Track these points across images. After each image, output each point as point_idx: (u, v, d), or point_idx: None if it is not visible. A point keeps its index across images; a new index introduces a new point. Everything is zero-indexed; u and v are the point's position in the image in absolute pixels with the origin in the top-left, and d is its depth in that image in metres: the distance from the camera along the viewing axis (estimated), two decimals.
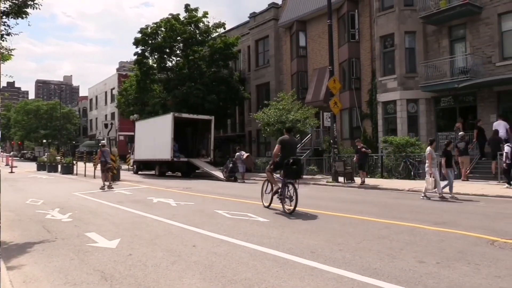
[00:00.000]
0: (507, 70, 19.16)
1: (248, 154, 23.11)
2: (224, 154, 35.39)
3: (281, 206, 9.76)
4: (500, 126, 17.26)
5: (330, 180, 18.87)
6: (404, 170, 19.47)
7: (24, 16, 8.76)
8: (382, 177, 20.09)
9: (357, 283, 4.53)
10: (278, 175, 10.48)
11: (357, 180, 17.78)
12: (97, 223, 8.74)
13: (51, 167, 33.09)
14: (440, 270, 4.98)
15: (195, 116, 26.73)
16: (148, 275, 4.98)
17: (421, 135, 21.97)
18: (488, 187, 14.13)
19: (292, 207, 9.44)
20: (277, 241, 6.65)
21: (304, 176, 22.93)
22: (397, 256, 5.61)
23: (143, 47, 32.66)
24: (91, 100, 76.24)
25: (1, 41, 8.44)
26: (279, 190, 9.87)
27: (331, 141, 19.80)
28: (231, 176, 21.61)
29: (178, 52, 33.60)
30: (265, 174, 10.92)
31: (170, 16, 32.91)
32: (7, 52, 8.83)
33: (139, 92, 35.53)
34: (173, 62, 34.44)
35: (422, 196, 12.45)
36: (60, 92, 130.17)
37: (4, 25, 8.35)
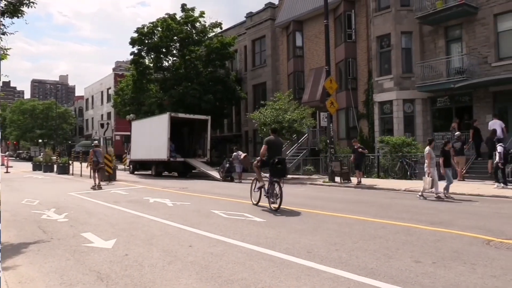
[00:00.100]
0: (503, 70, 19.23)
1: (245, 154, 23.11)
2: (221, 154, 35.40)
3: (268, 204, 10.25)
4: (496, 125, 17.32)
5: (327, 180, 18.88)
6: (401, 170, 19.52)
7: (19, 15, 8.72)
8: (378, 177, 20.13)
9: (353, 283, 4.53)
10: (266, 175, 10.81)
11: (354, 180, 17.79)
12: (93, 223, 8.72)
13: (46, 167, 32.96)
14: (436, 269, 4.99)
15: (191, 116, 26.69)
16: (144, 275, 4.97)
17: (418, 135, 22.03)
18: (484, 187, 14.17)
19: (277, 205, 9.94)
20: (273, 241, 6.65)
21: (300, 176, 23.05)
22: (393, 256, 5.62)
23: (139, 47, 32.61)
24: (87, 99, 75.98)
25: None
26: (264, 188, 10.48)
27: (328, 141, 19.84)
28: (228, 176, 21.60)
29: (174, 51, 33.56)
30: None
31: (166, 16, 32.86)
32: (2, 52, 8.79)
33: (136, 92, 35.46)
34: (170, 62, 34.40)
35: (419, 196, 12.49)
36: (56, 91, 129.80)
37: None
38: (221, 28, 35.15)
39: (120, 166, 32.34)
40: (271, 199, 10.20)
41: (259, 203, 10.91)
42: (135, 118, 34.09)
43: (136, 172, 29.66)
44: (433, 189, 12.26)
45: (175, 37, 32.08)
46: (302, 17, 30.62)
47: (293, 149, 27.72)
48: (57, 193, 15.55)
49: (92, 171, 18.43)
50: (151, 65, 33.69)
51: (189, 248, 6.26)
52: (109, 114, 61.86)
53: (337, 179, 18.40)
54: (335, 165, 18.59)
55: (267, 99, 27.86)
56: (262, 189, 10.69)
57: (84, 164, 26.32)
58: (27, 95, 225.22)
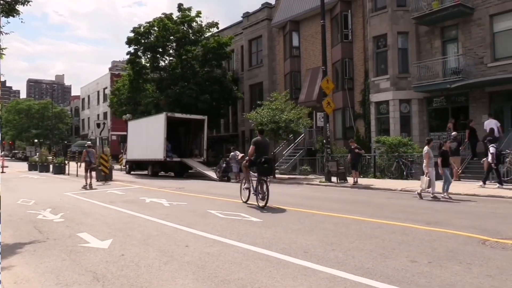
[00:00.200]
0: (498, 70, 19.31)
1: (243, 154, 23.10)
2: (217, 154, 35.35)
3: (256, 201, 10.77)
4: (491, 125, 17.42)
5: (323, 180, 18.90)
6: (397, 170, 19.56)
7: (15, 14, 8.69)
8: (375, 177, 20.16)
9: (349, 283, 4.53)
10: (255, 174, 11.20)
11: (350, 180, 17.83)
12: (89, 223, 8.69)
13: (42, 167, 32.86)
14: (432, 269, 5.00)
15: (188, 116, 26.67)
16: (140, 276, 4.96)
17: (414, 135, 22.09)
18: (483, 187, 14.22)
19: (264, 202, 10.45)
20: (270, 241, 6.65)
21: (297, 176, 23.08)
22: (389, 256, 5.63)
23: (136, 47, 32.58)
24: (83, 99, 75.81)
25: None
26: (253, 186, 11.09)
27: (324, 141, 19.84)
28: (224, 176, 21.59)
29: (171, 51, 33.56)
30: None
31: (163, 16, 32.87)
32: None
33: (132, 91, 35.43)
34: (166, 62, 34.41)
35: (416, 195, 12.48)
36: (52, 91, 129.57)
37: None
38: (217, 28, 35.18)
39: (117, 166, 32.24)
40: (259, 197, 10.71)
41: (248, 201, 11.35)
42: (132, 118, 34.06)
43: (132, 172, 29.61)
44: (430, 189, 12.29)
45: (172, 37, 32.08)
46: (298, 17, 30.65)
47: (289, 149, 27.77)
48: (53, 193, 15.50)
49: (84, 171, 18.64)
50: (148, 64, 33.68)
51: (186, 248, 6.25)
52: (105, 114, 61.73)
53: (334, 179, 18.42)
54: (332, 165, 18.61)
55: (263, 99, 27.86)
56: (251, 188, 11.21)
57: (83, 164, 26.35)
58: (23, 95, 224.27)
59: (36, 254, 6.14)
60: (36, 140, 73.03)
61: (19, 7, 8.82)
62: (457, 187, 14.15)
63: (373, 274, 4.81)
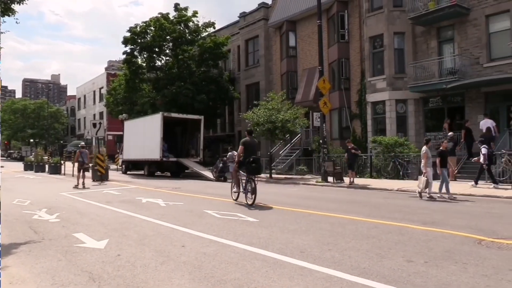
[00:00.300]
0: (494, 71, 19.39)
1: None
2: (214, 154, 35.35)
3: (245, 199, 11.28)
4: (487, 125, 17.50)
5: (320, 180, 18.91)
6: (393, 170, 19.61)
7: (11, 13, 8.65)
8: (371, 177, 20.20)
9: (346, 283, 4.54)
10: (244, 173, 11.77)
11: (347, 180, 17.86)
12: (85, 224, 8.66)
13: (38, 167, 32.75)
14: (428, 269, 5.01)
15: (184, 116, 26.64)
16: (136, 276, 4.95)
17: (410, 135, 22.14)
18: (475, 187, 14.30)
19: (252, 200, 10.96)
20: (266, 241, 6.65)
21: (293, 176, 23.09)
22: (385, 256, 5.64)
23: (132, 46, 32.51)
24: (79, 99, 75.54)
25: None
26: (242, 184, 11.63)
27: (321, 141, 19.87)
28: (221, 176, 21.57)
29: (167, 51, 33.50)
30: None
31: (159, 15, 32.80)
32: None
33: (128, 91, 35.34)
34: (163, 62, 34.33)
35: (417, 195, 12.45)
36: (47, 91, 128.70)
37: None
38: (214, 28, 35.13)
39: (113, 166, 32.21)
40: (247, 195, 11.18)
41: (237, 199, 11.83)
42: (128, 118, 33.93)
43: (128, 172, 29.53)
44: (427, 189, 12.30)
45: (168, 37, 32.03)
46: (295, 17, 30.66)
47: (286, 149, 27.77)
48: (48, 193, 15.45)
49: (78, 171, 18.98)
50: (144, 64, 33.60)
51: (182, 248, 6.24)
52: (101, 113, 61.54)
53: (330, 179, 18.44)
54: (328, 165, 18.63)
55: (260, 99, 27.82)
56: (240, 186, 11.78)
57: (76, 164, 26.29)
58: (19, 95, 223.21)
59: (32, 255, 6.12)
60: (31, 140, 72.74)
61: (15, 7, 8.77)
62: (453, 187, 14.15)
63: (370, 274, 4.82)
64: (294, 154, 26.58)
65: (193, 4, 40.35)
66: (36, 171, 32.23)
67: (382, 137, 20.95)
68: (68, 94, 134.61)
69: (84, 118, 70.54)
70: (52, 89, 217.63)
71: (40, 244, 6.79)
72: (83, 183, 18.24)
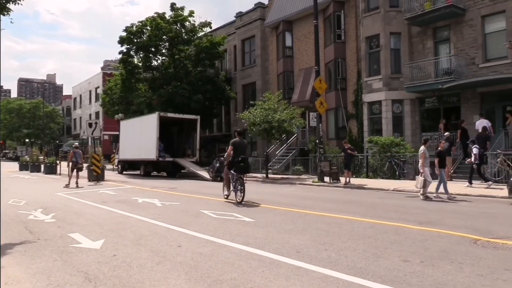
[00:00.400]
0: (490, 71, 19.46)
1: None
2: (210, 154, 35.30)
3: (235, 197, 11.78)
4: (483, 124, 17.59)
5: (316, 180, 18.93)
6: (389, 170, 19.65)
7: (6, 13, 8.60)
8: (367, 177, 20.23)
9: (342, 282, 4.54)
10: (233, 172, 12.16)
11: (343, 180, 17.89)
12: (81, 224, 8.63)
13: (33, 167, 32.60)
14: (424, 269, 5.02)
15: (180, 116, 26.60)
16: (132, 276, 4.93)
17: (406, 135, 22.20)
18: (471, 187, 14.35)
19: (241, 198, 11.48)
20: (263, 241, 6.65)
21: (290, 176, 23.10)
22: (381, 255, 5.65)
23: (128, 46, 32.43)
24: (75, 99, 75.33)
25: None
26: (232, 183, 12.10)
27: (317, 141, 19.88)
28: (218, 176, 21.49)
29: (163, 51, 33.45)
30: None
31: (155, 15, 32.74)
32: None
33: (124, 91, 35.27)
34: (159, 61, 34.28)
35: (421, 195, 12.33)
36: (43, 90, 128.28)
37: None
38: (210, 28, 35.11)
39: (109, 166, 32.10)
40: (237, 193, 11.67)
41: (228, 198, 12.41)
42: (124, 118, 33.88)
43: (124, 172, 29.47)
44: (425, 189, 12.31)
45: (164, 36, 31.97)
46: (291, 17, 30.67)
47: (282, 149, 27.78)
48: (44, 193, 15.39)
49: (70, 170, 19.40)
50: (140, 64, 33.54)
51: (178, 248, 6.23)
52: (97, 113, 61.39)
53: (327, 179, 18.46)
54: (324, 165, 18.65)
55: (256, 99, 27.86)
56: (231, 185, 12.26)
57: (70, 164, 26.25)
58: (14, 94, 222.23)
59: (27, 255, 6.09)
60: (27, 140, 72.47)
61: (11, 6, 8.72)
62: (448, 187, 14.23)
63: (366, 274, 4.83)
64: (291, 154, 26.59)
65: (190, 4, 40.40)
66: (31, 171, 32.09)
67: (378, 137, 20.99)
68: (64, 93, 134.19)
69: (80, 118, 70.33)
70: (48, 89, 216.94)
71: (35, 244, 6.76)
72: (77, 183, 18.48)
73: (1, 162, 29.85)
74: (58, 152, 39.50)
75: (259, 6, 34.25)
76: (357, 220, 8.56)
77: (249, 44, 35.64)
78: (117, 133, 35.29)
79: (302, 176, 22.50)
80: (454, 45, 21.05)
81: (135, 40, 32.09)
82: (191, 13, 33.11)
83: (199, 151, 26.84)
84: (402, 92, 22.40)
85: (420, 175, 12.40)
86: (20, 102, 76.02)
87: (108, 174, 24.66)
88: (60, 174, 27.54)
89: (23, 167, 35.47)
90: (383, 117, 22.96)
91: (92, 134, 23.59)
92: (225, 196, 12.52)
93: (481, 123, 17.71)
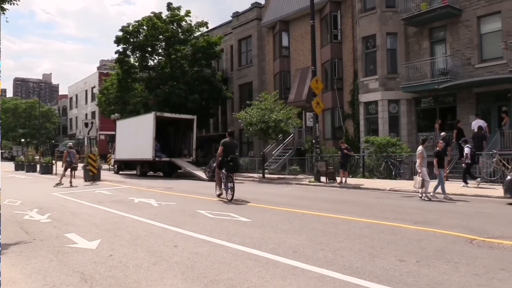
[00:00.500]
0: (485, 71, 19.53)
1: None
2: (207, 154, 35.26)
3: (225, 195, 12.25)
4: (479, 124, 17.67)
5: (312, 180, 18.96)
6: (386, 170, 19.70)
7: (1, 12, 8.57)
8: (363, 176, 20.27)
9: (338, 282, 4.55)
10: (224, 171, 12.60)
11: (339, 180, 17.93)
12: (77, 224, 8.61)
13: (29, 167, 32.49)
14: (420, 268, 5.04)
15: (177, 116, 26.57)
16: (129, 276, 4.92)
17: (402, 135, 22.25)
18: (466, 187, 14.41)
19: (231, 196, 11.95)
20: (259, 241, 6.65)
21: (286, 176, 23.12)
22: (378, 255, 5.66)
23: (124, 46, 32.33)
24: (71, 98, 75.07)
25: None
26: (223, 190, 12.60)
27: (314, 141, 19.91)
28: (214, 176, 21.46)
29: (160, 51, 33.35)
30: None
31: (152, 15, 32.64)
32: None
33: (120, 91, 35.16)
34: (155, 61, 34.18)
35: (420, 196, 12.34)
36: (39, 90, 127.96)
37: None
38: (207, 28, 35.04)
39: (105, 166, 32.02)
40: (228, 191, 12.13)
41: (220, 196, 12.79)
42: (120, 118, 33.77)
43: (121, 172, 29.41)
44: (422, 189, 12.33)
45: (161, 36, 31.89)
46: (288, 17, 30.68)
47: (279, 149, 27.77)
48: (40, 193, 15.34)
49: (63, 170, 19.90)
50: (137, 64, 33.43)
51: (175, 249, 6.22)
52: (93, 113, 61.20)
53: (323, 179, 18.48)
54: (321, 165, 18.68)
55: (253, 99, 27.80)
56: (222, 184, 12.74)
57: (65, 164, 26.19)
58: (9, 94, 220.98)
59: (23, 255, 6.06)
60: (23, 140, 72.13)
61: (6, 6, 8.70)
62: (445, 187, 14.29)
63: (362, 274, 4.84)
64: (287, 154, 26.61)
65: (186, 4, 40.23)
66: (27, 171, 31.98)
67: (374, 137, 21.03)
68: (60, 93, 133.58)
69: (76, 117, 70.08)
70: (44, 89, 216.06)
71: (31, 245, 6.73)
72: (70, 182, 18.85)
73: None
74: (54, 152, 39.29)
75: (255, 6, 34.24)
76: (353, 220, 8.58)
77: (245, 44, 35.62)
78: (113, 133, 35.16)
79: (299, 176, 22.52)
80: (450, 46, 21.11)
81: (132, 40, 31.99)
82: (188, 13, 33.03)
83: (195, 151, 26.81)
84: (398, 92, 22.45)
85: (418, 175, 12.42)
86: (15, 102, 75.65)
87: (104, 174, 24.59)
88: (56, 174, 27.43)
89: (19, 167, 35.35)
90: (379, 117, 23.01)
91: (88, 134, 23.54)
92: (218, 195, 12.85)
93: (476, 123, 17.81)
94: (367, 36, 23.80)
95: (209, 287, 4.49)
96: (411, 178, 17.02)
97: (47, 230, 7.93)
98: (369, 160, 20.77)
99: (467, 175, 15.08)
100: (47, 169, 29.21)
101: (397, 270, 4.98)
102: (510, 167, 14.55)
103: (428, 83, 20.90)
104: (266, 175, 22.83)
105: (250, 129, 22.79)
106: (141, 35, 32.10)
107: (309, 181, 18.86)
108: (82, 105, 68.51)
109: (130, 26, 32.20)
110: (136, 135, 26.22)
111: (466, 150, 14.99)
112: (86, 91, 66.51)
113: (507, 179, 11.42)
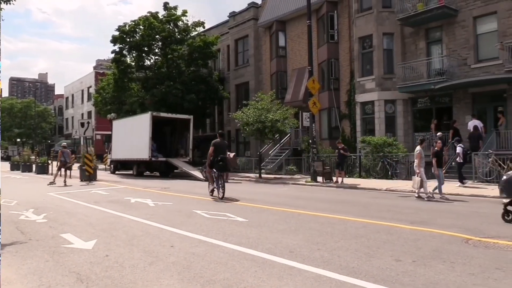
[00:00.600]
0: (481, 72, 19.59)
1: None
2: (203, 153, 35.16)
3: (217, 193, 12.72)
4: (475, 124, 17.73)
5: (309, 179, 18.98)
6: (382, 170, 19.74)
7: None
8: (360, 176, 20.32)
9: (335, 282, 4.55)
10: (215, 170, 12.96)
11: (336, 179, 17.95)
12: (73, 224, 8.58)
13: (25, 167, 32.37)
14: (416, 268, 5.05)
15: (173, 116, 26.54)
16: (125, 276, 4.91)
17: (399, 135, 22.29)
18: (463, 187, 14.47)
19: (222, 194, 12.44)
20: (256, 240, 6.64)
21: (283, 176, 23.14)
22: (374, 255, 5.67)
23: (121, 45, 32.26)
24: (67, 98, 74.84)
25: None
26: (214, 188, 13.02)
27: (310, 141, 19.93)
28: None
29: (156, 50, 33.31)
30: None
31: (148, 14, 32.58)
32: None
33: (117, 90, 35.10)
34: (152, 61, 34.14)
35: (425, 198, 12.37)
36: (35, 90, 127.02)
37: None
38: (203, 27, 35.02)
39: (101, 166, 31.95)
40: (219, 190, 12.62)
41: (212, 195, 13.11)
42: (116, 117, 33.72)
43: (117, 172, 29.35)
44: (421, 189, 12.35)
45: (157, 36, 31.84)
46: (285, 17, 30.68)
47: (275, 149, 27.80)
48: (35, 193, 15.28)
49: (57, 169, 20.20)
50: (133, 63, 33.39)
51: (171, 249, 6.21)
52: (89, 113, 61.06)
53: (320, 179, 18.51)
54: (317, 165, 18.71)
55: (249, 99, 27.84)
56: (214, 182, 13.05)
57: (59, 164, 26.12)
58: (5, 93, 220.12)
59: (18, 255, 6.04)
60: (18, 140, 71.88)
61: (2, 5, 8.66)
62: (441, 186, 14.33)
63: (358, 273, 4.84)
64: (284, 154, 26.62)
65: (183, 3, 40.21)
66: (23, 171, 31.87)
67: (371, 137, 21.08)
68: (56, 93, 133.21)
69: (72, 117, 69.93)
70: (40, 88, 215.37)
71: (27, 245, 6.70)
72: (65, 181, 19.09)
73: None
74: (49, 152, 39.11)
75: (252, 6, 34.24)
76: (350, 220, 8.59)
77: (242, 44, 35.62)
78: (109, 133, 35.11)
79: (295, 176, 22.54)
80: (446, 46, 21.17)
81: (128, 40, 31.92)
82: (184, 13, 33.00)
83: (192, 151, 26.81)
84: (394, 92, 22.49)
85: (416, 175, 12.43)
86: (11, 102, 75.32)
87: (100, 174, 24.54)
88: (51, 174, 27.31)
89: (15, 167, 35.19)
90: (375, 117, 23.04)
91: (84, 134, 23.46)
92: (211, 191, 13.20)
93: (472, 123, 17.88)
94: (364, 36, 23.84)
95: (205, 287, 4.48)
96: (407, 178, 17.10)
97: (43, 230, 7.90)
98: (366, 160, 20.81)
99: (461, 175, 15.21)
100: (43, 169, 29.10)
101: (393, 270, 4.99)
102: (506, 167, 14.61)
103: (424, 83, 20.96)
104: (262, 175, 22.84)
105: (247, 129, 22.79)
106: (137, 34, 32.04)
107: (306, 181, 18.88)
108: (78, 105, 68.33)
109: (127, 26, 32.14)
110: (133, 135, 26.17)
111: (458, 149, 15.16)
112: (82, 90, 66.34)
113: (503, 179, 11.42)
